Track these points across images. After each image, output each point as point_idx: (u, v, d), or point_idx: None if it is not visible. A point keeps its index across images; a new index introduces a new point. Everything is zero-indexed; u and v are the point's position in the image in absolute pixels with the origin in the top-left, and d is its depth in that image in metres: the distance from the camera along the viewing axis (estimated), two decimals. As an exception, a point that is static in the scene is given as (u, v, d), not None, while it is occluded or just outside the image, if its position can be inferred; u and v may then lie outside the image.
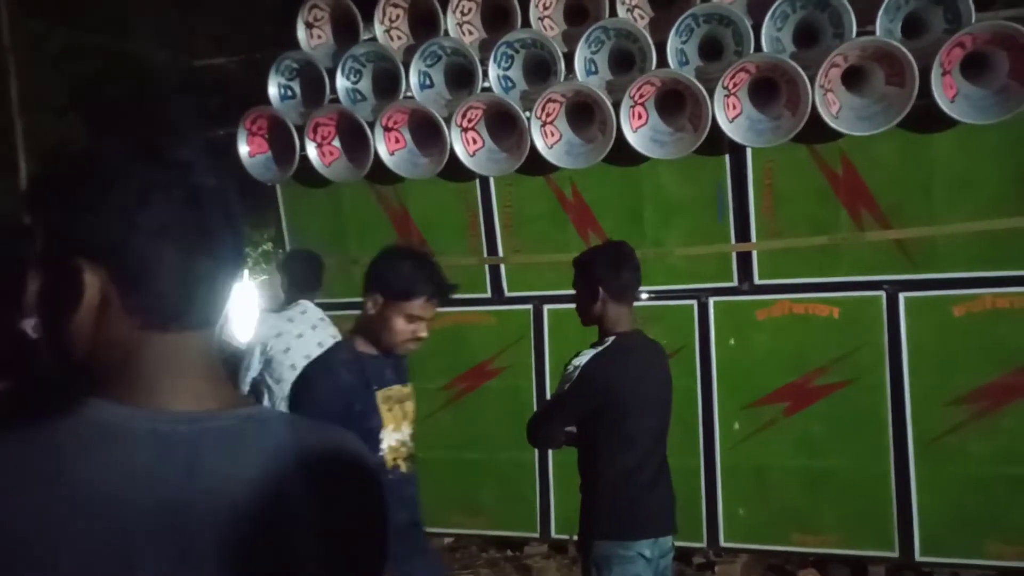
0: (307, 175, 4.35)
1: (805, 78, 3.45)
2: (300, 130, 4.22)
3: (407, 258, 2.36)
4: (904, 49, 3.37)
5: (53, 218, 0.80)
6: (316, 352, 3.84)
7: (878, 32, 3.45)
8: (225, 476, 0.77)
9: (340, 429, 0.92)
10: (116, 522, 0.73)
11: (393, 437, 2.33)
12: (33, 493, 0.72)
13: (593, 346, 2.59)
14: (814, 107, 3.46)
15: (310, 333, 3.79)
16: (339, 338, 3.96)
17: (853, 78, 3.61)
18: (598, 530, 2.55)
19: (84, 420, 0.76)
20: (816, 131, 3.57)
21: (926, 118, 3.48)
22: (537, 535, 4.23)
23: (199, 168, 0.83)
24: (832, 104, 3.55)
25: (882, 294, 3.70)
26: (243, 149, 4.36)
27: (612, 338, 2.58)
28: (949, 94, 3.42)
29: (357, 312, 4.43)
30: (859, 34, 3.47)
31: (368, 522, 0.87)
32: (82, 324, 0.78)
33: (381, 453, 2.29)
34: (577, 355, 2.58)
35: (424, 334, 2.31)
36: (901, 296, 3.68)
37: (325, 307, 4.40)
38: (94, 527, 0.72)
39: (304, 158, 4.26)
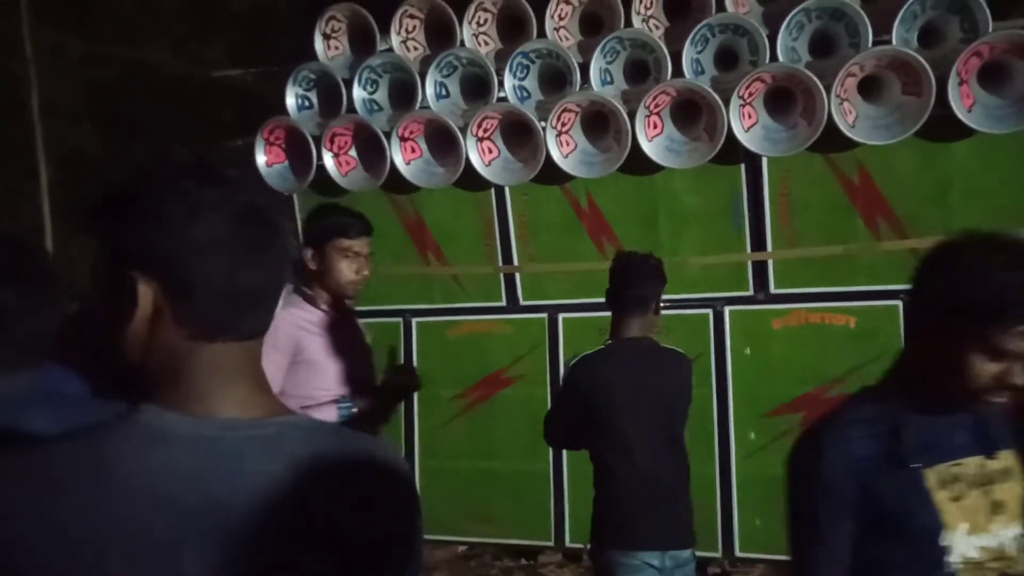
0: (324, 185, 4.37)
1: (821, 87, 3.44)
2: (317, 140, 4.25)
3: (999, 253, 1.28)
4: (921, 58, 3.36)
5: (110, 231, 0.85)
6: None
7: (894, 41, 3.44)
8: (267, 481, 0.80)
9: (378, 439, 0.96)
10: (163, 522, 0.76)
11: (971, 544, 1.35)
12: (87, 492, 0.76)
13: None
14: (830, 116, 3.46)
15: None
16: None
17: (869, 87, 3.60)
18: (601, 538, 2.55)
19: (136, 424, 0.80)
20: (832, 140, 3.56)
21: (943, 127, 3.46)
22: (551, 544, 4.23)
23: (249, 186, 0.88)
24: (848, 113, 3.55)
25: (899, 304, 3.68)
26: (260, 159, 4.39)
27: (608, 343, 2.60)
28: (966, 103, 3.40)
29: (372, 321, 4.53)
30: (875, 43, 3.46)
31: (403, 529, 0.90)
32: (136, 333, 0.83)
33: (950, 571, 1.33)
34: (574, 356, 2.59)
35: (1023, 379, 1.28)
36: (918, 306, 3.64)
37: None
38: (143, 527, 0.76)
39: (321, 168, 4.28)
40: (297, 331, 2.44)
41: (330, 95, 4.29)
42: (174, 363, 0.83)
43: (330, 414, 2.38)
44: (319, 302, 2.53)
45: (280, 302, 2.32)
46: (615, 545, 2.51)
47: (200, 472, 0.78)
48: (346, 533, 0.83)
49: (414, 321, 4.51)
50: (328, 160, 4.27)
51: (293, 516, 0.81)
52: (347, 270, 2.50)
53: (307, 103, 4.39)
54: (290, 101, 4.35)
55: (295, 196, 4.58)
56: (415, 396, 4.48)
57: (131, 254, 0.82)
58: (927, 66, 3.34)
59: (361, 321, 2.76)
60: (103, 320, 0.86)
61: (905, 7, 3.40)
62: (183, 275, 0.82)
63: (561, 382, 2.58)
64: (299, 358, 2.43)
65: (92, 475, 0.77)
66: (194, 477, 0.78)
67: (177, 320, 0.83)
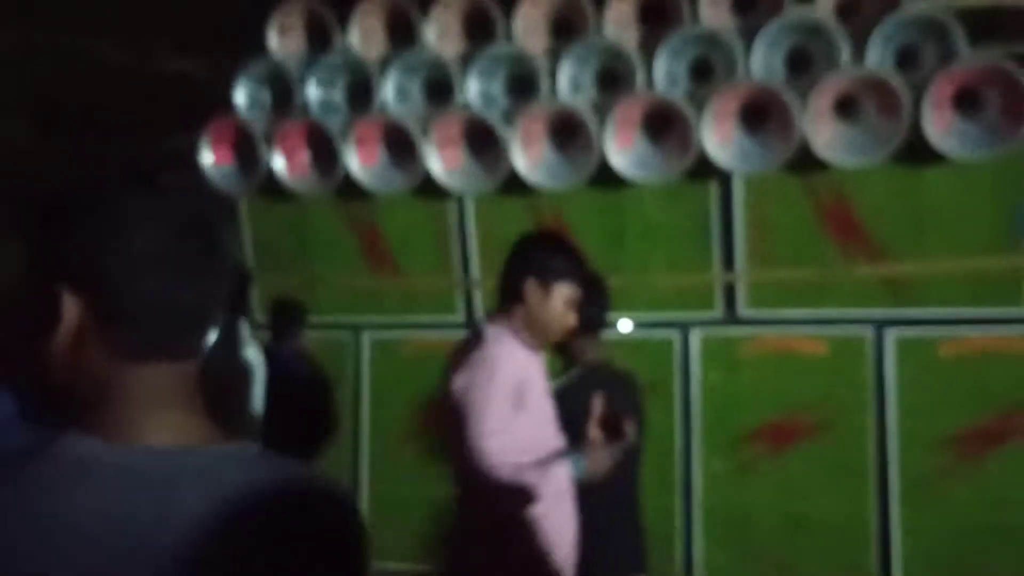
0: (273, 187, 4.17)
1: (796, 105, 3.38)
2: (267, 140, 4.05)
3: None
4: (897, 81, 3.32)
5: (37, 242, 0.81)
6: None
7: (870, 62, 3.39)
8: (200, 514, 0.76)
9: (315, 470, 0.91)
10: (88, 559, 0.72)
11: None
12: (4, 526, 0.72)
13: (560, 376, 2.51)
14: (805, 135, 3.39)
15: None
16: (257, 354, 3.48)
17: (844, 108, 3.54)
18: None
19: (58, 453, 0.76)
20: (806, 160, 3.48)
21: (918, 151, 3.41)
22: (504, 574, 4.04)
23: (191, 196, 0.84)
24: (823, 133, 3.48)
25: (870, 330, 3.62)
26: (206, 158, 4.18)
27: (577, 369, 2.52)
28: (940, 129, 3.37)
29: (321, 334, 4.31)
30: (852, 63, 3.40)
31: (345, 559, 0.85)
32: (59, 351, 0.79)
33: None
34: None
35: None
36: (889, 333, 3.60)
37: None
38: (65, 563, 0.72)
39: (270, 169, 4.07)
40: (523, 374, 2.15)
41: (283, 93, 4.11)
42: (101, 385, 0.79)
43: (563, 471, 2.13)
44: (531, 342, 2.24)
45: (487, 339, 2.03)
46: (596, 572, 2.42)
47: (127, 506, 0.74)
48: (286, 567, 0.79)
49: (365, 335, 4.32)
50: (278, 161, 4.07)
51: (228, 551, 0.76)
52: (566, 320, 2.22)
53: (258, 100, 4.20)
54: (240, 98, 4.15)
55: (242, 199, 4.41)
56: (367, 416, 4.31)
57: (57, 267, 0.78)
58: (903, 89, 3.31)
59: None
60: (27, 336, 0.82)
61: (881, 27, 3.36)
62: (113, 291, 0.78)
63: None
64: (520, 406, 2.14)
65: (9, 508, 0.73)
66: (120, 511, 0.74)
67: (105, 339, 0.78)
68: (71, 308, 0.78)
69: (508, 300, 2.19)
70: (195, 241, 0.81)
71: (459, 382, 2.08)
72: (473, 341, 2.20)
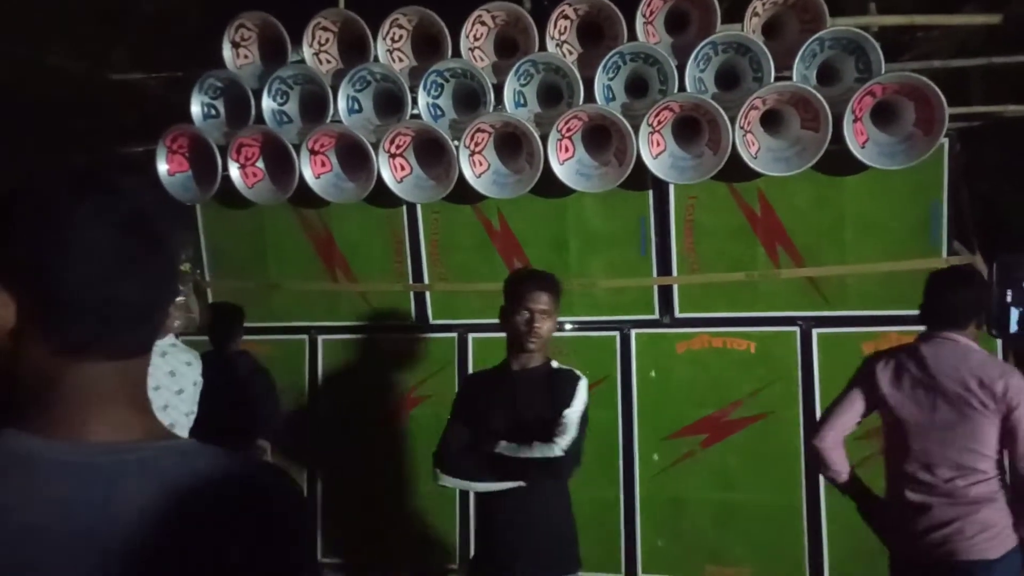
0: (229, 196, 4.23)
1: (726, 118, 3.55)
2: (223, 150, 4.09)
3: None
4: (819, 95, 3.50)
5: None
6: (167, 382, 3.33)
7: (795, 78, 3.57)
8: (143, 508, 0.75)
9: (262, 461, 0.91)
10: (29, 552, 0.71)
11: None
12: None
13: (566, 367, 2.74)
14: (734, 147, 3.56)
15: (159, 361, 3.32)
16: (194, 363, 3.47)
17: (771, 121, 3.72)
18: (578, 561, 2.66)
19: None
20: (736, 170, 3.66)
21: (839, 162, 3.62)
22: (455, 566, 4.17)
23: (136, 195, 0.81)
24: (751, 145, 3.66)
25: (796, 330, 3.81)
26: (162, 167, 4.20)
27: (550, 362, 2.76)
28: (860, 140, 3.56)
29: (277, 338, 4.39)
30: (777, 79, 3.58)
31: (290, 558, 0.84)
32: None
33: None
34: (579, 377, 2.71)
35: None
36: (814, 332, 3.79)
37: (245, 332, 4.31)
38: (5, 556, 0.71)
39: (226, 178, 4.13)
40: None
41: (238, 105, 4.15)
42: (42, 383, 0.77)
43: None
44: None
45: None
46: (578, 567, 2.63)
47: (69, 500, 0.73)
48: (229, 562, 0.78)
49: (320, 339, 4.41)
50: (234, 171, 4.12)
51: (171, 545, 0.76)
52: None
53: (213, 112, 4.24)
54: (195, 109, 4.17)
55: (198, 207, 4.44)
56: (320, 416, 4.38)
57: None
58: (824, 103, 3.48)
59: None
60: None
61: (805, 45, 3.54)
62: (47, 286, 0.75)
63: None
64: None
65: None
66: (62, 505, 0.73)
67: (44, 337, 0.76)
68: (7, 303, 0.76)
69: (961, 324, 2.66)
70: (136, 237, 0.79)
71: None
72: (939, 346, 2.64)
